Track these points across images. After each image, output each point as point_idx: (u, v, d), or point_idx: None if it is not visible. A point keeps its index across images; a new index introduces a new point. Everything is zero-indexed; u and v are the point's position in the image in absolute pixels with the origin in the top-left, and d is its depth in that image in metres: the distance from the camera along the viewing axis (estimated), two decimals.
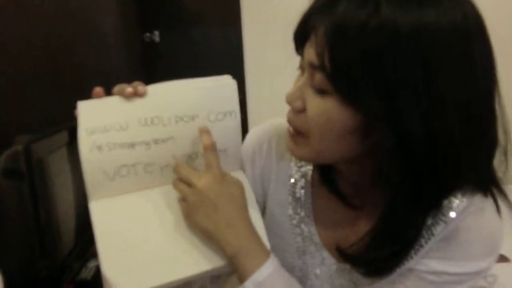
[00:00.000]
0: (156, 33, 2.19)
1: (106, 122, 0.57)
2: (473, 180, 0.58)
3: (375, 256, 0.60)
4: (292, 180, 0.71)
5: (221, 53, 2.21)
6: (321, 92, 0.53)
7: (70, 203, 1.27)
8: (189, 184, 0.60)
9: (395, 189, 0.55)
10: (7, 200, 0.92)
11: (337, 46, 0.50)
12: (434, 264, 0.60)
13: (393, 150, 0.52)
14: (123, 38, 1.58)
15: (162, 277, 0.58)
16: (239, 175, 0.67)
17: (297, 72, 0.61)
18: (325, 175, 0.67)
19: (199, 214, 0.59)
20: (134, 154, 0.59)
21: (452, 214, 0.59)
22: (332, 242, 0.67)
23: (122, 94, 0.58)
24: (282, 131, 0.72)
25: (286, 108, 0.61)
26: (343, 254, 0.63)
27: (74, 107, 1.15)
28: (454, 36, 0.49)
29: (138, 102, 0.59)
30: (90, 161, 0.57)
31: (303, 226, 0.69)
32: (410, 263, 0.61)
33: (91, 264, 1.25)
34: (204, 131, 0.62)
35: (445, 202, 0.58)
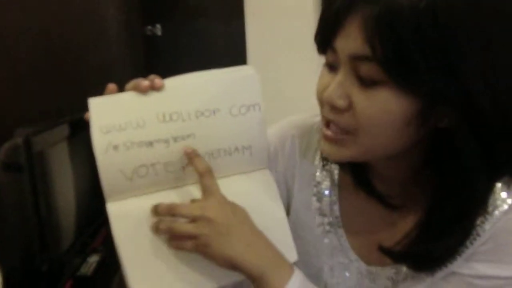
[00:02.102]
0: (158, 26, 2.17)
1: (121, 120, 0.53)
2: None
3: (427, 249, 0.56)
4: (317, 180, 0.67)
5: (224, 46, 2.19)
6: (370, 84, 0.50)
7: (71, 198, 1.26)
8: (193, 219, 0.55)
9: (447, 175, 0.53)
10: (6, 194, 0.91)
11: (390, 31, 0.46)
12: (481, 268, 0.55)
13: (456, 130, 0.50)
14: (124, 31, 1.56)
15: None
16: (265, 174, 0.63)
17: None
18: (359, 176, 0.63)
19: (215, 246, 0.54)
20: (153, 153, 0.55)
21: (499, 213, 0.54)
22: (362, 244, 0.65)
23: (138, 88, 0.54)
24: (303, 128, 0.69)
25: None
26: (388, 253, 0.59)
27: (74, 99, 1.13)
28: (506, 4, 0.48)
29: (155, 96, 0.55)
30: (106, 162, 0.53)
31: (329, 228, 0.66)
32: (454, 266, 0.57)
33: (92, 260, 1.24)
34: (193, 155, 0.56)
35: (491, 200, 0.54)
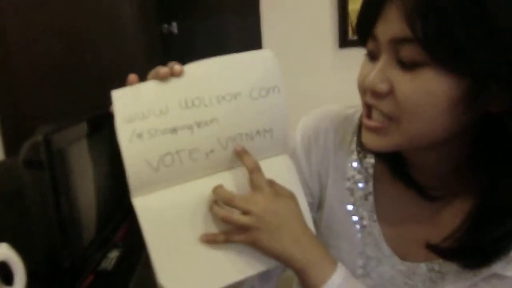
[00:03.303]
0: (174, 24, 2.17)
1: (144, 108, 0.53)
2: None
3: (479, 242, 0.55)
4: (351, 174, 0.67)
5: (240, 42, 2.19)
6: (411, 66, 0.49)
7: (92, 194, 1.28)
8: (245, 212, 0.57)
9: (496, 165, 0.52)
10: (28, 191, 0.93)
11: (431, 9, 0.45)
12: None
13: (507, 114, 0.48)
14: (141, 29, 1.57)
15: (213, 282, 0.57)
16: (285, 160, 0.63)
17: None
18: (397, 167, 0.62)
19: (265, 239, 0.57)
20: (177, 140, 0.55)
21: None
22: (398, 239, 0.64)
23: (158, 76, 0.55)
24: (337, 120, 0.68)
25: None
26: (437, 250, 0.59)
27: (92, 97, 1.15)
28: None
29: (176, 83, 0.55)
30: (131, 152, 0.53)
31: (364, 222, 0.66)
32: (497, 267, 0.55)
33: (112, 255, 1.25)
34: (243, 152, 0.58)
35: None
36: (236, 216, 0.57)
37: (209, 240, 0.58)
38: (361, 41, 0.55)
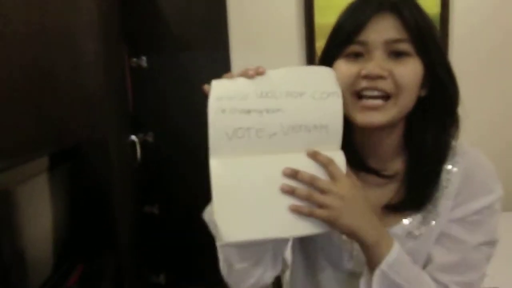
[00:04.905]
0: (144, 58, 2.18)
1: (231, 93, 0.71)
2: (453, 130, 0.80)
3: (417, 188, 0.78)
4: None
5: (210, 78, 2.19)
6: (402, 57, 0.73)
7: (47, 232, 1.23)
8: (327, 191, 0.70)
9: (426, 129, 0.78)
10: None
11: (415, 23, 0.73)
12: (470, 206, 0.77)
13: (429, 97, 0.77)
14: (105, 63, 1.56)
15: (259, 233, 0.72)
16: (339, 155, 0.76)
17: None
18: (356, 161, 0.81)
19: (345, 216, 0.69)
20: (249, 119, 0.71)
21: (458, 167, 0.78)
22: None
23: (245, 74, 0.72)
24: None
25: None
26: (390, 208, 0.80)
27: (53, 131, 1.12)
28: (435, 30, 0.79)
29: (257, 79, 0.73)
30: (215, 122, 0.70)
31: None
32: (441, 221, 0.78)
33: None
34: (314, 152, 0.72)
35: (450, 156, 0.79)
36: (318, 195, 0.70)
37: (295, 210, 0.71)
38: (341, 47, 0.75)
